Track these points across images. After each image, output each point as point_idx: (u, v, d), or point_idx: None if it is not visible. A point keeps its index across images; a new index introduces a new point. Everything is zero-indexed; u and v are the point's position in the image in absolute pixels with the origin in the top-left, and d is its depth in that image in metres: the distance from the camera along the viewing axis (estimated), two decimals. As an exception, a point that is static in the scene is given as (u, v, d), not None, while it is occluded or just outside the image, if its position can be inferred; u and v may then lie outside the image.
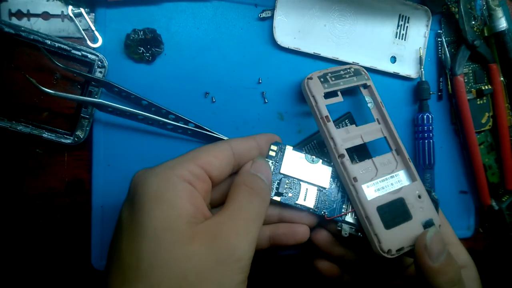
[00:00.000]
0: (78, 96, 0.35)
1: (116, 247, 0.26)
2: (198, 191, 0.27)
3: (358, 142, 0.35)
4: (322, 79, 0.35)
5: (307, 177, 0.34)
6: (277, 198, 0.33)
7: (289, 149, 0.34)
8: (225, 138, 0.39)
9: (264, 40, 0.40)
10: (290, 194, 0.33)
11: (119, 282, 0.24)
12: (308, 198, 0.33)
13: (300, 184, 0.34)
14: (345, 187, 0.34)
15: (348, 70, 0.37)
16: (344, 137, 0.34)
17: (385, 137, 0.36)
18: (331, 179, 0.34)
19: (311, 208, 0.33)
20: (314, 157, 0.35)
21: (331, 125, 0.34)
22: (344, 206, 0.34)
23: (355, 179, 0.33)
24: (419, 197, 0.34)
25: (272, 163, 0.34)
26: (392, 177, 0.34)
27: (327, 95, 0.35)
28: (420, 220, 0.33)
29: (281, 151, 0.34)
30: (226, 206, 0.28)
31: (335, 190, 0.34)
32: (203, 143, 0.38)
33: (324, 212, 0.33)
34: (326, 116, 0.34)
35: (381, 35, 0.43)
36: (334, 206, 0.34)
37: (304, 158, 0.34)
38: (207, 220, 0.26)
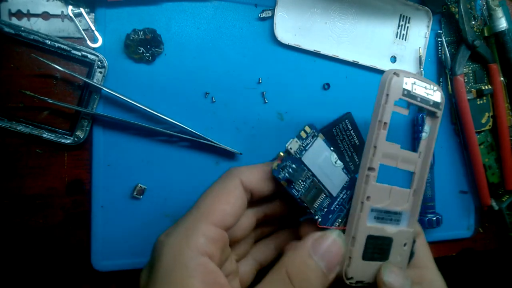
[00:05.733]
0: (76, 107, 0.35)
1: None
2: (216, 260, 0.25)
3: (392, 164, 0.32)
4: (405, 83, 0.31)
5: (321, 177, 0.32)
6: (284, 184, 0.30)
7: (320, 139, 0.31)
8: (227, 148, 0.39)
9: (264, 40, 0.40)
10: (298, 188, 0.31)
11: None
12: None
13: (312, 181, 0.31)
14: (354, 200, 0.32)
15: (432, 89, 0.33)
16: (385, 152, 0.31)
17: (414, 173, 0.33)
18: (342, 189, 0.32)
19: (310, 209, 0.32)
20: (338, 159, 0.32)
21: (383, 134, 0.30)
22: (339, 220, 0.32)
23: (368, 198, 0.30)
24: (404, 245, 0.32)
25: (299, 144, 0.30)
26: (396, 213, 0.32)
27: (397, 102, 0.31)
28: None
29: (312, 138, 0.31)
30: None
31: (339, 201, 0.33)
32: (203, 144, 0.38)
33: (318, 218, 0.31)
34: (385, 123, 0.30)
35: (381, 35, 0.43)
36: (330, 216, 0.32)
37: (329, 157, 0.32)
38: None
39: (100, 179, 0.37)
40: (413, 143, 0.45)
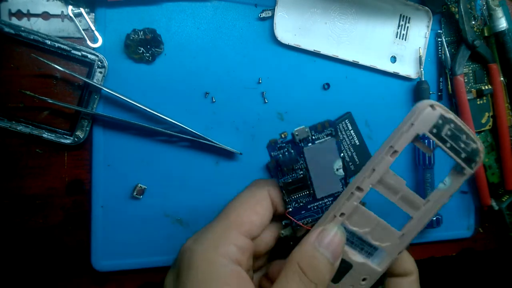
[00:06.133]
0: (76, 107, 0.35)
1: None
2: (244, 269, 0.26)
3: (391, 198, 0.28)
4: (440, 121, 0.27)
5: (314, 176, 0.30)
6: (273, 162, 0.29)
7: (334, 140, 0.29)
8: (227, 148, 0.39)
9: (264, 40, 0.40)
10: (284, 174, 0.30)
11: None
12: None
13: (303, 174, 0.30)
14: (328, 209, 0.29)
15: (471, 141, 0.28)
16: (385, 182, 0.28)
17: (412, 218, 0.29)
18: (329, 196, 0.31)
19: (285, 196, 0.30)
20: (341, 168, 0.30)
21: (389, 161, 0.27)
22: (309, 219, 0.31)
23: (342, 214, 0.28)
24: (363, 280, 0.29)
25: (308, 134, 0.29)
26: (371, 246, 0.29)
27: (421, 137, 0.27)
28: None
29: (326, 135, 0.29)
30: None
31: (320, 204, 0.31)
32: (203, 144, 0.38)
33: (289, 208, 0.30)
34: (395, 151, 0.27)
35: (381, 35, 0.43)
36: (303, 212, 0.31)
37: (332, 161, 0.29)
38: None
39: (100, 179, 0.37)
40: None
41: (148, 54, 0.37)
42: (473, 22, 0.45)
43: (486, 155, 0.47)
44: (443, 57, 0.45)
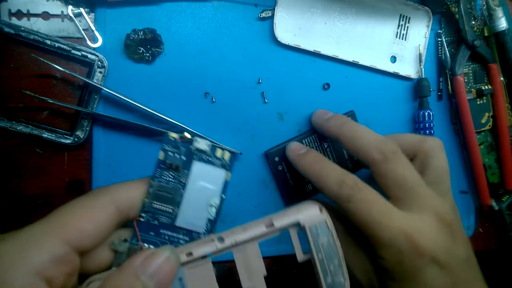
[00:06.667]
0: (76, 107, 0.35)
1: None
2: (55, 287, 0.21)
3: (237, 261, 0.26)
4: (321, 225, 0.27)
5: (186, 198, 0.27)
6: (161, 155, 0.26)
7: (220, 173, 0.27)
8: (227, 148, 0.39)
9: (264, 40, 0.40)
10: (164, 184, 0.27)
11: None
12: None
13: (179, 192, 0.27)
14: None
15: (340, 267, 0.27)
16: (244, 251, 0.26)
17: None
18: (185, 231, 0.27)
19: (145, 201, 0.26)
20: (217, 205, 0.27)
21: (262, 230, 0.26)
22: (149, 242, 0.26)
23: (190, 254, 0.25)
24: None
25: (208, 149, 0.26)
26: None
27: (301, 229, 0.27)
28: None
29: (220, 166, 0.27)
30: None
31: (170, 235, 0.27)
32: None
33: (143, 216, 0.26)
34: (273, 224, 0.26)
35: (381, 35, 0.43)
36: (151, 233, 0.26)
37: (211, 192, 0.27)
38: None
39: (100, 179, 0.37)
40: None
41: (148, 54, 0.37)
42: (473, 22, 0.45)
43: (486, 155, 0.47)
44: (443, 57, 0.45)
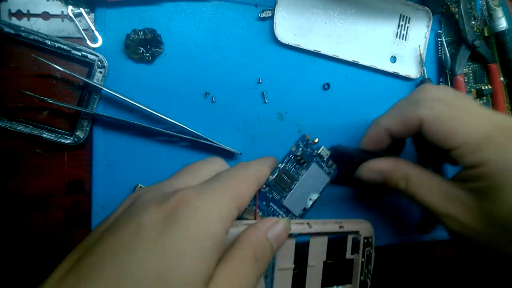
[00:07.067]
0: (76, 107, 0.35)
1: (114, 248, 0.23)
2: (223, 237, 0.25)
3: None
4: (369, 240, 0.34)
5: (297, 188, 0.33)
6: (293, 148, 0.33)
7: (326, 178, 0.35)
8: (227, 148, 0.39)
9: (264, 40, 0.40)
10: (291, 162, 0.33)
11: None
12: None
13: (295, 180, 0.33)
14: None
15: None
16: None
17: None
18: (287, 212, 0.33)
19: (271, 182, 0.32)
20: (312, 202, 0.34)
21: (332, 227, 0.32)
22: (259, 213, 0.32)
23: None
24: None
25: (327, 155, 0.34)
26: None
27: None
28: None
29: (327, 172, 0.35)
30: (223, 271, 0.24)
31: (275, 210, 0.33)
32: (203, 144, 0.38)
33: (264, 188, 0.32)
34: (341, 226, 0.33)
35: (381, 35, 0.43)
36: (263, 202, 0.32)
37: (312, 191, 0.34)
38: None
39: (100, 179, 0.37)
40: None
41: (148, 54, 0.37)
42: (473, 22, 0.45)
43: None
44: (443, 57, 0.45)
